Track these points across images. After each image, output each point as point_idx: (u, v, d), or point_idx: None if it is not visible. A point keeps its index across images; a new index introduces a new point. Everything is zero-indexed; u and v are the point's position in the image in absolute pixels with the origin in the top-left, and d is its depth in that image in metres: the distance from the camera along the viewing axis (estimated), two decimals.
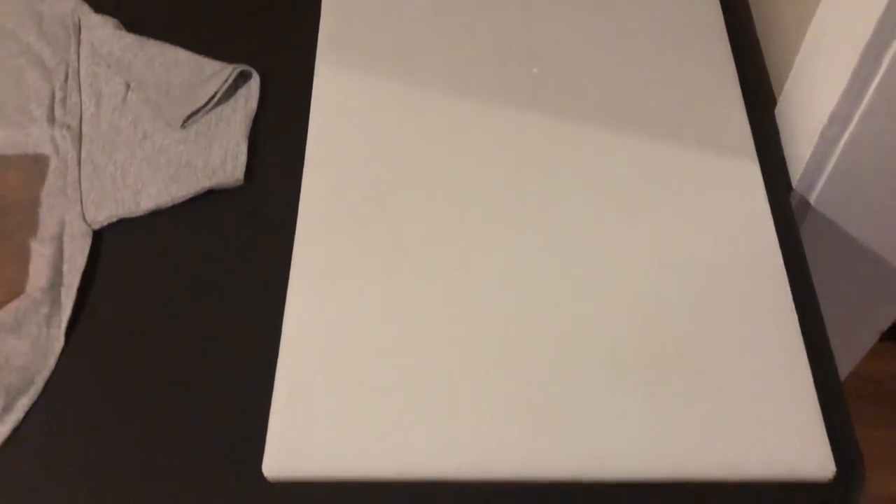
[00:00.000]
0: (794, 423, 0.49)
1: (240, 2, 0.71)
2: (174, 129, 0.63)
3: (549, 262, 0.55)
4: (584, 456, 0.49)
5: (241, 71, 0.65)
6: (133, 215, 0.59)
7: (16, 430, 0.51)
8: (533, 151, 0.61)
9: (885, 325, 0.78)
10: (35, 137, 0.63)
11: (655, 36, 0.67)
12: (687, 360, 0.52)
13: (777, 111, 0.63)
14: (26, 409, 0.52)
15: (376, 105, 0.63)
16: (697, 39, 0.67)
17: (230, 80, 0.64)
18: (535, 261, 0.56)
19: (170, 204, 0.60)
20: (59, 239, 0.58)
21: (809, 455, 0.48)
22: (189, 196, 0.60)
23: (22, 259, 0.57)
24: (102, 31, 0.67)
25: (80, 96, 0.65)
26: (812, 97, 0.57)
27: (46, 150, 0.63)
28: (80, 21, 0.69)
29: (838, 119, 0.54)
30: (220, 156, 0.61)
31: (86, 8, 0.70)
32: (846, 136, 0.55)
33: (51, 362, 0.53)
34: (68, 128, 0.63)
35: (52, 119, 0.64)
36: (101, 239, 0.59)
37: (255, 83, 0.65)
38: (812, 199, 0.61)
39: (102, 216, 0.59)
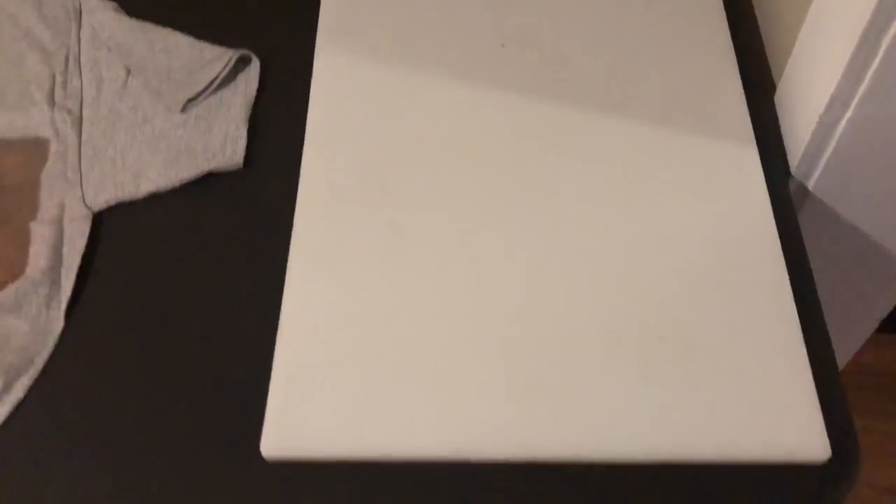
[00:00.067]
0: (790, 405, 0.50)
1: None
2: (174, 114, 0.63)
3: (548, 245, 0.56)
4: (581, 437, 0.49)
5: (241, 56, 0.65)
6: (133, 198, 0.60)
7: (15, 410, 0.52)
8: (532, 136, 0.61)
9: (884, 313, 0.78)
10: (36, 121, 0.63)
11: (655, 22, 0.67)
12: (684, 343, 0.52)
13: (776, 97, 0.63)
14: (26, 388, 0.52)
15: (376, 90, 0.63)
16: (697, 25, 0.67)
17: (230, 65, 0.64)
18: (534, 244, 0.56)
19: (169, 187, 0.60)
20: (59, 221, 0.58)
21: (805, 437, 0.49)
22: (189, 179, 0.60)
23: (22, 241, 0.57)
24: (103, 15, 0.67)
25: (81, 80, 0.65)
26: (811, 82, 0.57)
27: (47, 133, 0.63)
28: (80, 5, 0.69)
29: (836, 104, 0.54)
30: (219, 140, 0.62)
31: None
32: (844, 121, 0.55)
33: (50, 343, 0.54)
34: (69, 111, 0.63)
35: (52, 102, 0.64)
36: (101, 222, 0.59)
37: (254, 68, 0.65)
38: (810, 185, 0.61)
39: (102, 199, 0.59)
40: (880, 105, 0.53)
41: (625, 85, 0.63)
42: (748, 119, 0.61)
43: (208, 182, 0.61)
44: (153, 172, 0.60)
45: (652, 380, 0.50)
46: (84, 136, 0.62)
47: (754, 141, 0.60)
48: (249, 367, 0.52)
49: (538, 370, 0.51)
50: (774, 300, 0.53)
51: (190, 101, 0.63)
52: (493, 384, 0.50)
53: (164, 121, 0.63)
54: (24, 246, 0.57)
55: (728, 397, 0.50)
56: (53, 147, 0.62)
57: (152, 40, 0.66)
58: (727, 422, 0.49)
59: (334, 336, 0.52)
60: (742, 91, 0.63)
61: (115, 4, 0.69)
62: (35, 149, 0.62)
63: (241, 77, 0.65)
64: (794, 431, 0.49)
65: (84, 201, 0.59)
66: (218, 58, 0.65)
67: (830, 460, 0.48)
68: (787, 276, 0.54)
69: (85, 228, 0.58)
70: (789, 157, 0.61)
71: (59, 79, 0.65)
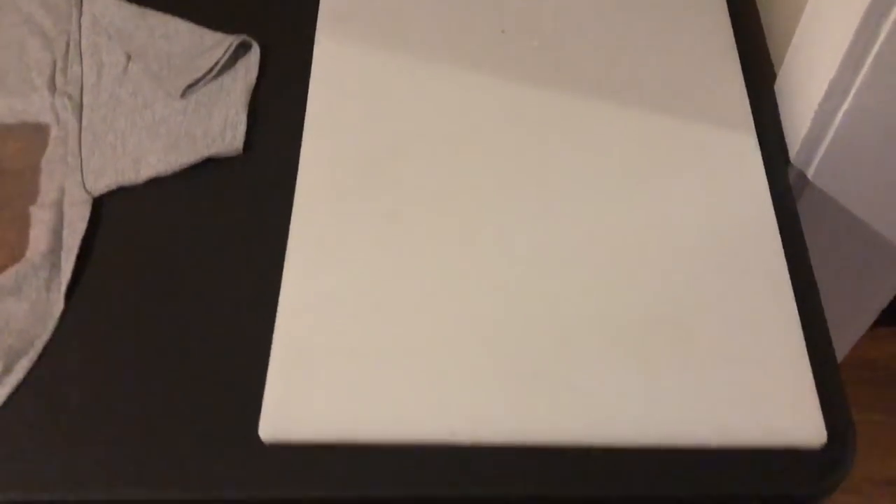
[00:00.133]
0: (786, 390, 0.50)
1: None
2: (174, 99, 0.63)
3: (546, 231, 0.56)
4: (577, 421, 0.49)
5: (242, 42, 0.65)
6: (133, 183, 0.60)
7: (15, 392, 0.52)
8: (531, 123, 0.61)
9: (884, 303, 0.78)
10: (36, 106, 0.64)
11: (655, 9, 0.67)
12: (682, 329, 0.52)
13: (776, 86, 0.63)
14: (26, 370, 0.52)
15: (376, 76, 0.63)
16: (697, 13, 0.67)
17: (230, 51, 0.64)
18: (532, 229, 0.56)
19: (169, 172, 0.60)
20: (59, 205, 0.58)
21: (801, 422, 0.49)
22: (188, 165, 0.60)
23: (22, 225, 0.58)
24: (103, 1, 0.67)
25: (82, 66, 0.65)
26: (811, 70, 0.57)
27: (47, 118, 0.63)
28: None
29: (836, 91, 0.54)
30: (219, 125, 0.62)
31: None
32: (844, 108, 0.55)
33: (50, 326, 0.54)
34: (69, 97, 0.64)
35: (52, 88, 0.64)
36: (101, 207, 0.59)
37: (254, 54, 0.66)
38: (809, 173, 0.61)
39: (102, 184, 0.59)
40: (880, 93, 0.53)
41: (624, 72, 0.63)
42: (748, 107, 0.61)
43: (208, 167, 0.61)
44: (153, 158, 0.60)
45: (649, 365, 0.51)
46: (84, 122, 0.63)
47: (754, 129, 0.60)
48: (248, 351, 0.52)
49: (535, 355, 0.51)
50: (772, 287, 0.53)
51: (190, 86, 0.64)
52: (490, 368, 0.51)
53: (164, 106, 0.63)
54: (24, 229, 0.57)
55: (725, 382, 0.50)
56: (54, 132, 0.62)
57: (153, 26, 0.66)
58: (724, 407, 0.49)
59: (332, 321, 0.52)
60: (742, 79, 0.63)
61: None
62: (35, 134, 0.62)
63: (242, 63, 0.65)
64: (791, 416, 0.49)
65: (84, 186, 0.59)
66: (218, 44, 0.65)
67: (827, 445, 0.48)
68: (785, 263, 0.54)
69: (85, 213, 0.58)
70: (789, 146, 0.61)
71: (59, 64, 0.65)
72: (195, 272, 0.56)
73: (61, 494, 0.49)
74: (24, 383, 0.52)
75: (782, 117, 0.62)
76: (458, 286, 0.54)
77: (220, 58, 0.64)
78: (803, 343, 0.51)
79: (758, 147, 0.59)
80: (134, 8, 0.67)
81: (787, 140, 0.61)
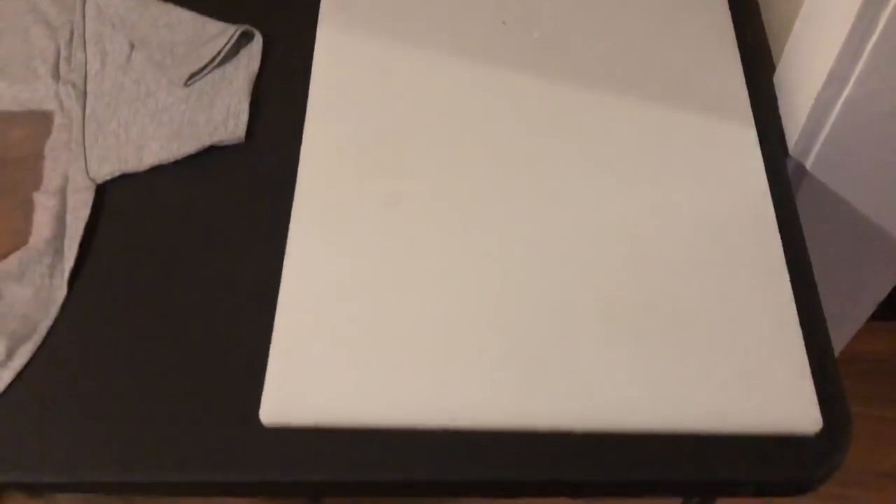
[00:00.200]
0: (782, 378, 0.50)
1: None
2: (177, 88, 0.64)
3: (546, 222, 0.56)
4: (576, 407, 0.49)
5: (244, 31, 0.66)
6: (136, 171, 0.60)
7: (18, 377, 0.52)
8: (532, 113, 0.61)
9: (882, 294, 0.78)
10: (40, 94, 0.64)
11: (655, 1, 0.67)
12: (679, 316, 0.52)
13: (775, 78, 0.64)
14: (29, 355, 0.53)
15: (377, 65, 0.64)
16: (697, 5, 0.67)
17: (233, 40, 0.65)
18: (532, 216, 0.56)
19: (172, 160, 0.60)
20: (63, 192, 0.59)
21: (797, 410, 0.49)
22: (191, 153, 0.61)
23: (26, 211, 0.58)
24: None
25: (85, 54, 0.66)
26: (810, 62, 0.57)
27: (51, 106, 0.63)
28: None
29: (834, 80, 0.54)
30: (222, 114, 0.62)
31: None
32: (842, 99, 0.55)
33: (53, 311, 0.54)
34: (73, 85, 0.64)
35: (56, 76, 0.65)
36: (104, 193, 0.60)
37: (257, 43, 0.66)
38: (808, 164, 0.61)
39: (105, 171, 0.60)
40: (878, 82, 0.54)
41: (625, 64, 0.64)
42: (747, 99, 0.62)
43: (210, 155, 0.61)
44: (156, 145, 0.61)
45: (647, 351, 0.51)
46: (88, 110, 0.63)
47: (753, 121, 0.61)
48: (249, 336, 0.53)
49: (534, 341, 0.51)
50: (770, 276, 0.54)
51: (193, 75, 0.64)
52: (490, 354, 0.51)
53: (167, 95, 0.63)
54: (28, 216, 0.58)
55: (722, 369, 0.50)
56: (57, 120, 0.63)
57: (156, 15, 0.67)
58: (721, 393, 0.50)
59: (333, 305, 0.53)
60: (741, 71, 0.63)
61: None
62: (39, 121, 0.63)
63: (244, 52, 0.65)
64: (787, 403, 0.49)
65: (87, 173, 0.60)
66: (221, 33, 0.65)
67: (822, 432, 0.49)
68: (782, 253, 0.55)
69: (88, 199, 0.58)
70: (787, 138, 0.61)
71: (63, 53, 0.66)
72: (197, 258, 0.57)
73: (62, 477, 0.50)
74: (27, 367, 0.53)
75: (781, 109, 0.62)
76: (458, 272, 0.54)
77: (223, 47, 0.64)
78: (800, 331, 0.52)
79: (757, 139, 0.60)
80: None
81: (786, 132, 0.61)
